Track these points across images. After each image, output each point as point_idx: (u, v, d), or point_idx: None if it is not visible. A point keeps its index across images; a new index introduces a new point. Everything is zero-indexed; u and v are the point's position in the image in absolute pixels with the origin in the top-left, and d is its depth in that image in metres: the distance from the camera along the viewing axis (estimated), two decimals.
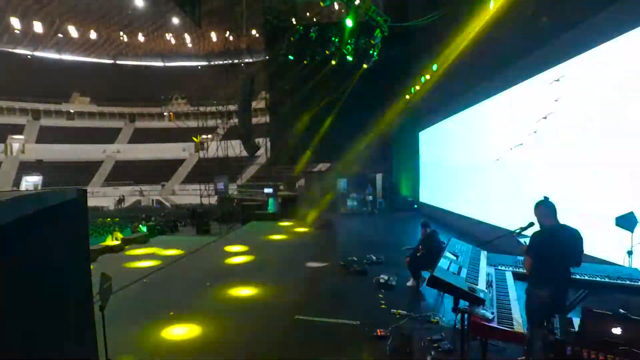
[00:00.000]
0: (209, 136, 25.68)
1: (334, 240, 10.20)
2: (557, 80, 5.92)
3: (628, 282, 3.10)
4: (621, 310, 2.54)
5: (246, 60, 27.69)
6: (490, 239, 5.14)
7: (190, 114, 36.63)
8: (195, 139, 26.18)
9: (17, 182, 32.27)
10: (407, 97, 14.04)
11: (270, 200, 16.12)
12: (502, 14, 7.49)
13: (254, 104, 20.13)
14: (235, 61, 23.43)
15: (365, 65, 13.44)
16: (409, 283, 5.76)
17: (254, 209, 15.64)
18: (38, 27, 33.79)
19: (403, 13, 12.78)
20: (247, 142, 18.19)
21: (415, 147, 15.05)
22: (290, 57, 15.42)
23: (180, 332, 4.52)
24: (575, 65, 5.51)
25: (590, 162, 5.16)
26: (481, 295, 2.51)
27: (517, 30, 7.32)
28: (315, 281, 6.51)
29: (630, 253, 4.04)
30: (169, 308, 5.24)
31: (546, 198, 3.06)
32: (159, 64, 43.02)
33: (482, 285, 2.75)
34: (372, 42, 12.38)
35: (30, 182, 31.83)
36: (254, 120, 19.85)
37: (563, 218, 2.96)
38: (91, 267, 2.75)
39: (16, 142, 36.04)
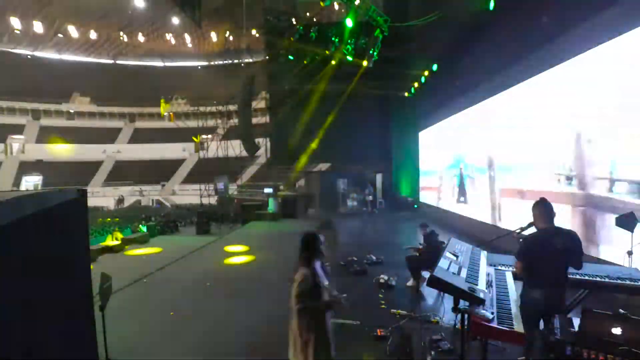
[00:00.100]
0: (209, 136, 25.71)
1: (334, 240, 10.18)
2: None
3: (628, 282, 3.09)
4: (621, 311, 2.54)
5: (246, 60, 27.73)
6: (490, 239, 5.15)
7: (191, 114, 36.64)
8: (195, 139, 26.20)
9: (17, 182, 32.27)
10: (407, 94, 14.06)
11: (270, 200, 16.12)
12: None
13: (254, 104, 20.14)
14: (235, 61, 23.47)
15: (365, 65, 13.44)
16: (409, 283, 5.76)
17: (254, 208, 15.65)
18: (38, 27, 33.76)
19: (403, 13, 12.78)
20: (247, 142, 18.21)
21: (415, 147, 15.05)
22: (290, 57, 15.42)
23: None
24: (572, 65, 5.52)
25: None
26: (481, 295, 2.51)
27: (516, 31, 7.33)
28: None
29: (630, 253, 4.04)
30: (168, 308, 5.24)
31: (543, 199, 3.04)
32: (159, 64, 43.01)
33: (482, 285, 2.75)
34: (373, 42, 12.38)
35: (31, 182, 31.83)
36: (254, 120, 19.85)
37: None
38: (91, 267, 2.76)
39: (16, 142, 36.05)
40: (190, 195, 28.88)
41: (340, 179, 16.91)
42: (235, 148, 19.97)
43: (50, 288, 2.10)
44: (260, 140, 19.61)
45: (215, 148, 20.08)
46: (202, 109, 24.77)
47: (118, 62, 42.00)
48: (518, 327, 2.41)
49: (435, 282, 2.56)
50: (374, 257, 7.31)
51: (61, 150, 36.04)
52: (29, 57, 37.96)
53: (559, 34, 5.93)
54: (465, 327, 2.58)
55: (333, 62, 14.32)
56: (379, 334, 4.02)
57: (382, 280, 5.80)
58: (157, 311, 5.22)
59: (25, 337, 1.81)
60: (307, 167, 18.43)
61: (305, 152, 16.42)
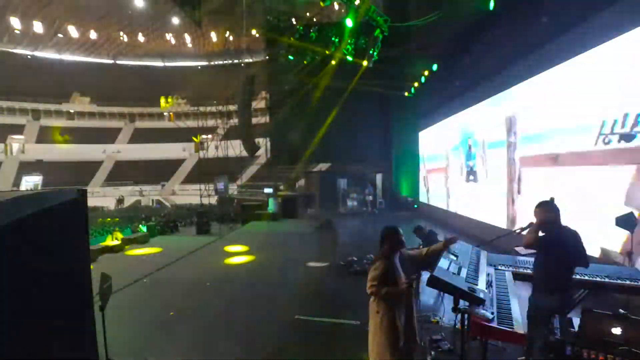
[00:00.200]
0: (209, 136, 25.70)
1: (334, 240, 10.20)
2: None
3: (628, 282, 3.10)
4: (621, 311, 2.54)
5: (246, 60, 27.69)
6: (490, 238, 5.15)
7: (190, 114, 36.63)
8: (195, 139, 26.19)
9: (17, 182, 32.28)
10: (407, 94, 14.06)
11: (270, 200, 16.13)
12: None
13: (254, 104, 20.13)
14: (236, 61, 23.44)
15: (365, 65, 13.45)
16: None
17: (254, 209, 15.65)
18: (38, 27, 33.77)
19: (403, 13, 12.78)
20: (247, 142, 18.19)
21: (415, 147, 15.06)
22: (290, 57, 15.42)
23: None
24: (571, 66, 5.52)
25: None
26: (481, 295, 2.51)
27: (517, 30, 7.33)
28: (315, 281, 6.51)
29: (630, 253, 4.04)
30: (169, 308, 5.25)
31: (551, 199, 3.04)
32: (159, 64, 43.01)
33: (482, 285, 2.75)
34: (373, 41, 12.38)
35: (31, 182, 31.84)
36: (254, 120, 19.85)
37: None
38: (91, 267, 2.76)
39: (16, 142, 36.06)
40: (190, 195, 28.88)
41: (340, 179, 16.92)
42: (235, 148, 19.97)
43: (50, 288, 2.10)
44: (260, 140, 19.61)
45: (215, 148, 20.07)
46: (202, 108, 24.76)
47: (118, 62, 42.00)
48: (518, 327, 2.41)
49: (435, 282, 2.56)
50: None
51: (61, 150, 36.00)
52: (29, 57, 37.96)
53: (559, 33, 5.93)
54: (465, 327, 2.58)
55: (333, 62, 14.31)
56: None
57: None
58: (157, 311, 5.22)
59: (26, 337, 1.81)
60: (307, 167, 18.45)
61: (305, 152, 16.42)
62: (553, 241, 2.87)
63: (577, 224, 2.97)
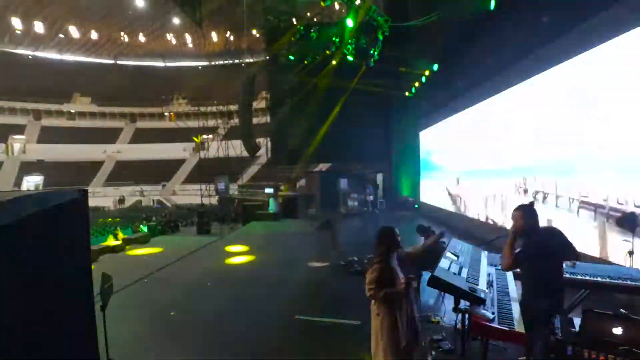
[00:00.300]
0: (210, 136, 25.74)
1: (334, 240, 10.19)
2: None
3: (629, 282, 3.09)
4: (622, 311, 2.54)
5: (247, 60, 27.73)
6: (490, 238, 5.14)
7: (191, 114, 36.66)
8: (195, 139, 26.22)
9: (18, 182, 32.33)
10: (407, 94, 14.06)
11: (271, 200, 16.13)
12: None
13: (254, 104, 20.13)
14: (236, 61, 23.49)
15: (365, 65, 13.46)
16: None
17: (254, 209, 15.66)
18: (39, 27, 33.83)
19: (404, 12, 12.77)
20: (247, 142, 18.21)
21: (416, 147, 15.05)
22: (291, 57, 15.42)
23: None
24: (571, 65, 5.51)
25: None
26: (482, 295, 2.51)
27: (519, 29, 7.32)
28: (316, 281, 6.50)
29: (631, 253, 4.03)
30: (169, 308, 5.25)
31: (529, 204, 2.99)
32: (160, 64, 43.06)
33: (482, 285, 2.75)
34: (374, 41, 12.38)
35: (32, 182, 31.88)
36: (255, 120, 19.85)
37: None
38: (92, 267, 2.76)
39: (17, 142, 36.13)
40: (191, 195, 28.91)
41: (341, 179, 16.91)
42: (236, 148, 19.99)
43: (51, 288, 2.11)
44: (260, 141, 19.62)
45: (215, 148, 20.10)
46: (202, 109, 24.81)
47: (119, 62, 42.08)
48: (519, 327, 2.41)
49: (436, 282, 2.56)
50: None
51: (62, 151, 36.05)
52: (30, 57, 38.05)
53: (560, 33, 5.92)
54: (466, 327, 2.58)
55: (333, 62, 14.31)
56: None
57: None
58: (158, 311, 5.22)
59: (26, 337, 1.82)
60: (307, 167, 18.45)
61: (306, 152, 16.41)
62: (536, 248, 2.85)
63: None
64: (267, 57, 18.72)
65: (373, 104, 15.33)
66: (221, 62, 30.10)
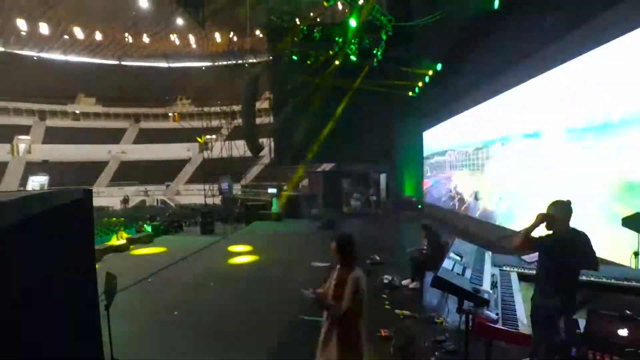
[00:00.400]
0: (213, 136, 25.81)
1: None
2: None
3: (635, 283, 3.07)
4: (628, 312, 2.52)
5: (250, 60, 27.79)
6: (495, 239, 5.12)
7: (195, 114, 36.77)
8: (199, 139, 26.32)
9: (23, 182, 32.60)
10: (411, 94, 14.04)
11: (274, 200, 16.15)
12: None
13: (257, 104, 20.18)
14: (239, 61, 23.53)
15: (368, 65, 13.46)
16: (404, 282, 5.74)
17: (258, 209, 15.68)
18: (44, 28, 34.08)
19: (407, 12, 12.75)
20: (251, 142, 18.23)
21: (419, 147, 15.02)
22: (294, 58, 15.43)
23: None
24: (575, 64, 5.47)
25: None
26: (486, 296, 2.50)
27: (523, 28, 7.29)
28: (319, 281, 6.49)
29: (636, 254, 4.00)
30: (173, 308, 5.27)
31: (564, 200, 2.97)
32: (164, 64, 43.23)
33: (486, 286, 2.74)
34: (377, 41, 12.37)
35: (37, 182, 32.13)
36: (258, 121, 19.89)
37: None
38: (96, 266, 2.77)
39: (23, 142, 36.42)
40: (194, 195, 29.01)
41: (344, 179, 16.90)
42: (239, 148, 20.04)
43: (55, 287, 2.12)
44: (264, 141, 19.66)
45: (219, 148, 20.15)
46: (206, 109, 24.88)
47: (123, 63, 42.29)
48: (523, 328, 2.40)
49: (439, 283, 2.55)
50: (377, 257, 7.30)
51: (67, 151, 36.29)
52: (35, 58, 38.33)
53: (564, 32, 5.88)
54: (470, 327, 2.57)
55: (337, 62, 14.31)
56: (382, 334, 4.01)
57: (386, 281, 5.79)
58: (162, 310, 5.24)
59: (31, 336, 1.83)
60: (310, 167, 18.44)
61: (309, 152, 16.41)
62: (558, 242, 2.83)
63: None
64: (271, 58, 18.74)
65: (376, 104, 15.31)
66: (224, 63, 30.17)
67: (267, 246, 9.66)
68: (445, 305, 4.70)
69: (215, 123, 26.77)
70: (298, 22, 15.35)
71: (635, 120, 4.37)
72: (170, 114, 42.69)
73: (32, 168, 34.38)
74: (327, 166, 18.92)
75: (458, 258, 3.02)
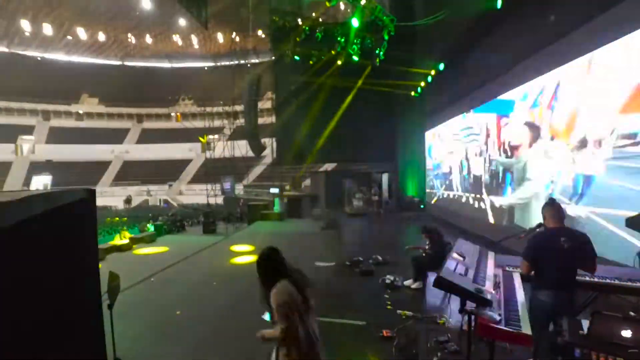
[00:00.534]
0: (216, 136, 25.85)
1: (339, 240, 10.19)
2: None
3: (638, 284, 3.05)
4: (631, 313, 2.51)
5: (252, 60, 27.84)
6: (498, 239, 5.10)
7: (197, 114, 36.87)
8: (201, 139, 26.39)
9: (27, 182, 32.79)
10: (413, 94, 14.02)
11: (276, 200, 16.17)
12: None
13: (260, 104, 20.21)
14: (242, 62, 23.57)
15: (371, 65, 13.44)
16: (407, 283, 5.73)
17: (260, 208, 15.71)
18: (48, 29, 34.26)
19: (409, 12, 12.74)
20: (253, 142, 18.27)
21: (422, 147, 14.99)
22: (296, 58, 15.45)
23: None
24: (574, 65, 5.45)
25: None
26: (488, 296, 2.49)
27: (526, 28, 7.26)
28: (321, 281, 6.50)
29: None
30: (175, 307, 5.29)
31: (552, 200, 3.03)
32: (166, 65, 43.38)
33: (489, 286, 2.73)
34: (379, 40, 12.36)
35: (40, 181, 32.32)
36: (260, 121, 19.91)
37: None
38: (99, 265, 2.79)
39: (26, 142, 36.63)
40: (197, 195, 29.10)
41: (346, 179, 16.88)
42: (242, 148, 20.07)
43: (58, 286, 2.13)
44: (266, 141, 19.70)
45: (221, 148, 20.18)
46: (208, 109, 24.99)
47: (126, 63, 42.47)
48: (526, 329, 2.38)
49: (441, 283, 2.54)
50: (379, 258, 7.29)
51: (70, 151, 36.47)
52: (38, 59, 38.55)
53: (568, 31, 5.86)
54: (472, 328, 2.56)
55: (339, 62, 14.31)
56: (384, 334, 4.01)
57: (388, 281, 5.78)
58: (164, 310, 5.26)
59: (34, 336, 1.84)
60: (313, 167, 18.45)
61: (311, 152, 16.43)
62: (539, 242, 2.87)
63: None
64: (273, 58, 18.77)
65: (379, 103, 15.30)
66: (227, 63, 30.28)
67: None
68: (447, 305, 4.69)
69: (217, 123, 26.84)
70: (300, 22, 15.35)
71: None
72: (172, 114, 42.82)
73: (36, 168, 34.57)
74: (329, 166, 18.93)
75: (460, 258, 3.01)
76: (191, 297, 5.92)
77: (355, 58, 13.47)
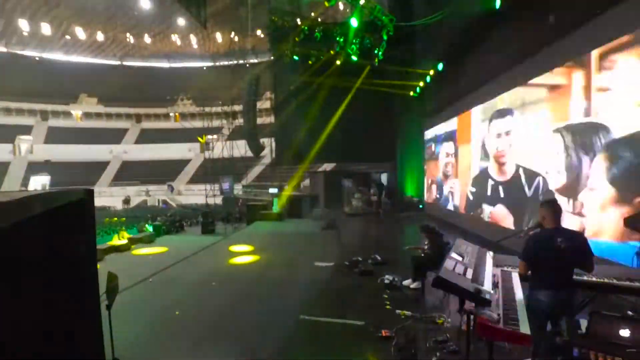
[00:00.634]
0: (215, 136, 25.82)
1: (339, 240, 10.19)
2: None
3: (637, 284, 3.05)
4: (630, 312, 2.51)
5: (251, 60, 27.82)
6: (496, 239, 5.11)
7: (196, 114, 36.81)
8: (200, 139, 26.38)
9: (25, 182, 32.69)
10: (412, 94, 14.04)
11: (275, 200, 16.17)
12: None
13: (259, 104, 20.19)
14: (241, 62, 23.53)
15: (369, 65, 13.45)
16: (406, 282, 5.74)
17: (259, 209, 15.70)
18: (46, 29, 34.18)
19: (408, 12, 12.75)
20: (252, 142, 18.25)
21: (420, 146, 15.01)
22: (295, 58, 15.45)
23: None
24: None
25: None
26: (487, 296, 2.50)
27: (524, 28, 7.28)
28: (320, 281, 6.50)
29: (639, 254, 3.99)
30: (174, 308, 5.28)
31: (551, 200, 3.04)
32: (165, 64, 43.32)
33: (488, 286, 2.73)
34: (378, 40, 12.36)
35: (39, 181, 32.22)
36: (259, 121, 19.90)
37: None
38: (98, 266, 2.78)
39: (24, 142, 36.53)
40: (196, 195, 29.06)
41: (345, 179, 16.89)
42: (241, 148, 20.05)
43: (56, 287, 2.13)
44: (265, 141, 19.69)
45: (220, 148, 20.16)
46: (207, 109, 24.92)
47: (125, 63, 42.40)
48: (524, 328, 2.39)
49: (440, 283, 2.55)
50: (378, 257, 7.29)
51: (69, 151, 36.39)
52: (37, 58, 38.45)
53: (567, 32, 5.87)
54: (471, 328, 2.56)
55: (338, 62, 14.31)
56: (383, 334, 4.01)
57: (387, 281, 5.79)
58: (163, 310, 5.25)
59: (32, 337, 1.83)
60: (311, 167, 18.45)
61: (310, 152, 16.42)
62: (536, 242, 2.88)
63: None
64: (272, 58, 18.76)
65: (377, 103, 15.31)
66: (226, 63, 30.17)
67: (268, 246, 9.67)
68: (446, 305, 4.70)
69: (216, 123, 26.79)
70: (299, 22, 15.35)
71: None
72: (171, 114, 42.78)
73: (34, 168, 34.47)
74: (328, 166, 18.93)
75: (459, 258, 3.02)
76: (190, 297, 5.91)
77: (354, 58, 13.47)
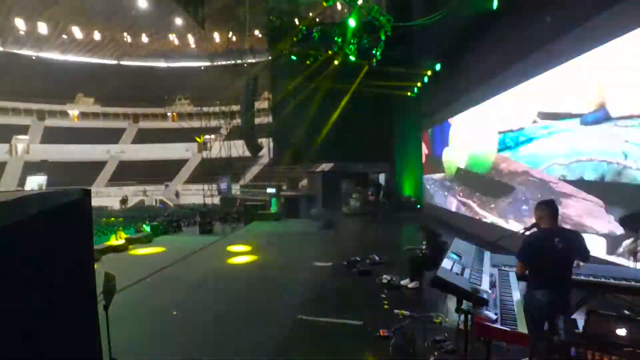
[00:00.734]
0: (212, 136, 25.81)
1: (337, 240, 10.20)
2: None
3: (633, 283, 3.07)
4: (626, 312, 2.53)
5: (249, 60, 27.81)
6: (494, 239, 5.12)
7: (194, 114, 36.75)
8: (198, 139, 26.34)
9: (22, 182, 32.52)
10: (410, 94, 14.07)
11: (273, 200, 16.15)
12: None
13: (257, 104, 20.17)
14: (238, 61, 23.56)
15: (367, 65, 13.45)
16: (403, 282, 5.75)
17: (256, 209, 15.67)
18: (43, 28, 34.03)
19: (406, 12, 12.77)
20: (250, 142, 18.23)
21: (418, 147, 15.04)
22: (293, 58, 15.43)
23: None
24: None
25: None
26: (484, 296, 2.50)
27: (522, 28, 7.30)
28: (318, 281, 6.50)
29: (635, 254, 4.01)
30: (171, 308, 5.26)
31: (549, 200, 3.05)
32: (162, 64, 43.20)
33: (485, 286, 2.74)
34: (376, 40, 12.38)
35: (35, 181, 32.07)
36: (257, 121, 19.88)
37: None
38: (95, 266, 2.77)
39: (21, 142, 36.35)
40: (193, 195, 28.99)
41: (343, 179, 16.89)
42: (238, 148, 20.06)
43: (54, 287, 2.11)
44: (263, 141, 19.67)
45: (218, 148, 20.15)
46: (205, 109, 24.94)
47: (122, 62, 42.24)
48: (522, 328, 2.39)
49: (438, 283, 2.55)
50: (377, 257, 7.30)
51: (65, 151, 36.24)
52: (33, 58, 38.26)
53: (564, 31, 5.89)
54: (469, 327, 2.57)
55: (336, 62, 14.31)
56: (381, 334, 4.01)
57: (385, 281, 5.79)
58: (160, 310, 5.23)
59: (29, 338, 1.82)
60: (309, 167, 18.44)
61: (308, 152, 16.42)
62: (533, 242, 2.90)
63: None
64: (270, 58, 18.74)
65: (375, 103, 15.33)
66: (223, 63, 30.18)
67: (266, 246, 9.66)
68: (444, 305, 4.71)
69: (214, 123, 26.79)
70: (297, 22, 15.35)
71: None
72: (169, 114, 42.66)
73: (31, 168, 34.30)
74: (326, 166, 18.92)
75: (457, 258, 3.02)
76: (188, 297, 5.90)
77: (352, 58, 13.47)
